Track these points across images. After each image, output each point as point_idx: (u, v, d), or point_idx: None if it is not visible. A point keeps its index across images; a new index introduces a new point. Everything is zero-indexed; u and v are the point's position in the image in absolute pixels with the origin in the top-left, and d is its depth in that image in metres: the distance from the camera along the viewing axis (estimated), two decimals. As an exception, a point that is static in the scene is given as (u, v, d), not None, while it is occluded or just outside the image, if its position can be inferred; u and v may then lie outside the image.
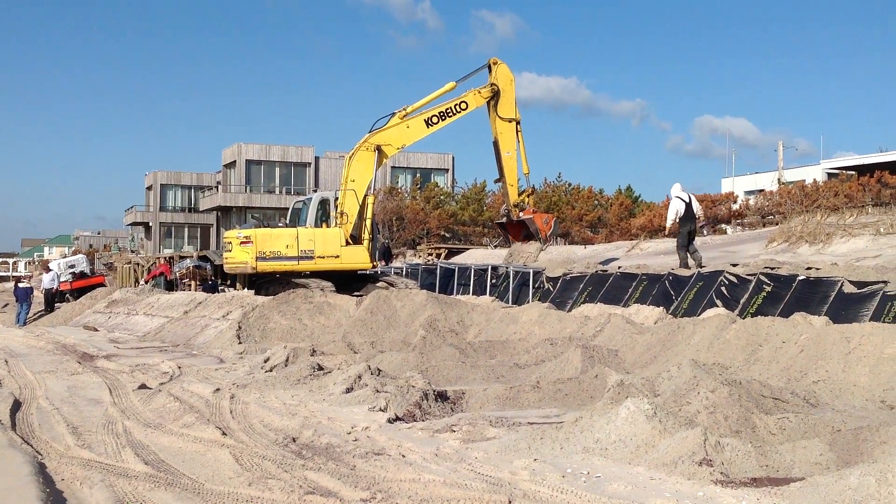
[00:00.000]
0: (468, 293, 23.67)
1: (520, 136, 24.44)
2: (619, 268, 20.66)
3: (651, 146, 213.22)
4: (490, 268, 24.33)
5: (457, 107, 23.43)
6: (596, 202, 53.12)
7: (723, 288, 16.25)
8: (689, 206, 18.99)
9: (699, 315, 14.96)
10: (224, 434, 8.60)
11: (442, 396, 10.06)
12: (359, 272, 23.46)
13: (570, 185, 55.22)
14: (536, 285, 21.85)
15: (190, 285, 34.65)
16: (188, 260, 37.25)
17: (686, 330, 12.38)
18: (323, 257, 22.88)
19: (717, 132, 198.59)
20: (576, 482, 6.42)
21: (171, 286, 35.67)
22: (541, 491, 6.24)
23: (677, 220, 19.05)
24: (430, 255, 38.35)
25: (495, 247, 39.17)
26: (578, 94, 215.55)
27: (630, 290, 18.36)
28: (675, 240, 19.80)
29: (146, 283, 39.56)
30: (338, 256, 22.76)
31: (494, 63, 24.25)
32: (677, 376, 9.29)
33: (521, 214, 24.81)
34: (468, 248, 40.49)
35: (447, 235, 46.24)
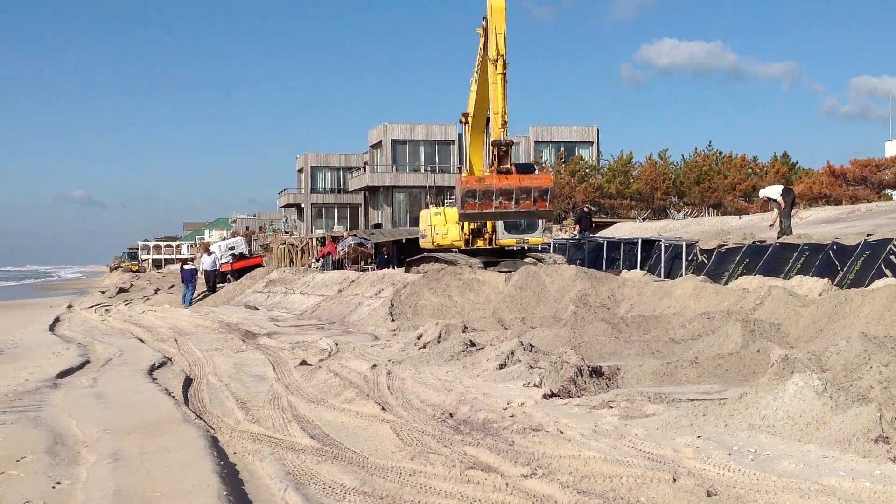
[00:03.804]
0: (617, 267, 23.31)
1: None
2: (778, 238, 19.86)
3: (804, 110, 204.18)
4: (640, 241, 23.86)
5: (477, 58, 20.66)
6: (750, 170, 51.19)
7: (892, 257, 15.37)
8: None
9: (867, 286, 14.21)
10: (384, 409, 8.78)
11: (596, 372, 9.94)
12: (506, 248, 23.49)
13: (720, 153, 53.41)
14: (690, 258, 21.29)
15: (358, 264, 35.60)
16: (350, 238, 38.30)
17: (854, 302, 11.77)
18: (424, 236, 24.66)
19: (876, 93, 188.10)
20: (743, 460, 6.21)
21: (337, 265, 36.78)
22: (706, 469, 6.07)
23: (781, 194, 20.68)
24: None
25: (643, 219, 38.42)
26: (723, 59, 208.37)
27: (791, 261, 17.63)
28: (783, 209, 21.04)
29: (317, 260, 40.96)
30: (425, 236, 24.44)
31: None
32: (846, 350, 8.85)
33: None
34: (616, 222, 39.86)
35: (594, 209, 45.65)
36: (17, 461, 7.16)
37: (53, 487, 6.39)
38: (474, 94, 21.17)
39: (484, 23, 19.64)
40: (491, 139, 19.24)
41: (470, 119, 21.94)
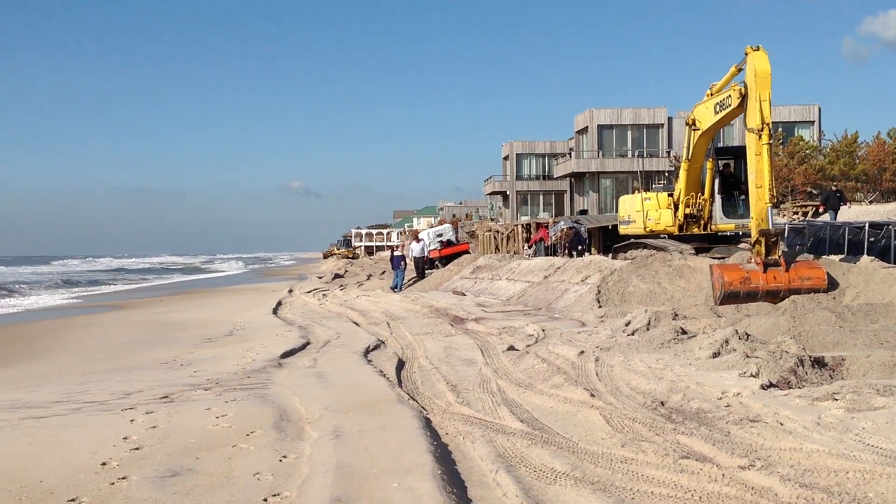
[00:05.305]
0: (842, 253, 21.98)
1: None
2: None
3: None
4: (867, 225, 22.36)
5: (725, 101, 18.96)
6: None
7: None
8: None
9: None
10: (592, 396, 8.72)
11: (819, 363, 9.43)
12: (719, 234, 22.70)
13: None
14: (923, 243, 19.72)
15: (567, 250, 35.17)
16: (562, 222, 38.10)
17: None
18: (626, 222, 24.35)
19: None
20: None
21: (550, 251, 36.64)
22: (945, 468, 5.63)
23: None
24: (796, 213, 36.11)
25: (870, 202, 35.96)
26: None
27: None
28: None
29: (529, 247, 41.16)
30: (628, 222, 24.22)
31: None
32: None
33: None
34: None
35: (814, 192, 43.24)
36: (248, 435, 7.65)
37: (280, 461, 6.78)
38: (709, 113, 19.92)
39: (742, 87, 17.73)
40: (757, 227, 16.96)
41: (699, 131, 20.78)
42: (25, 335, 22.06)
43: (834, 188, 29.39)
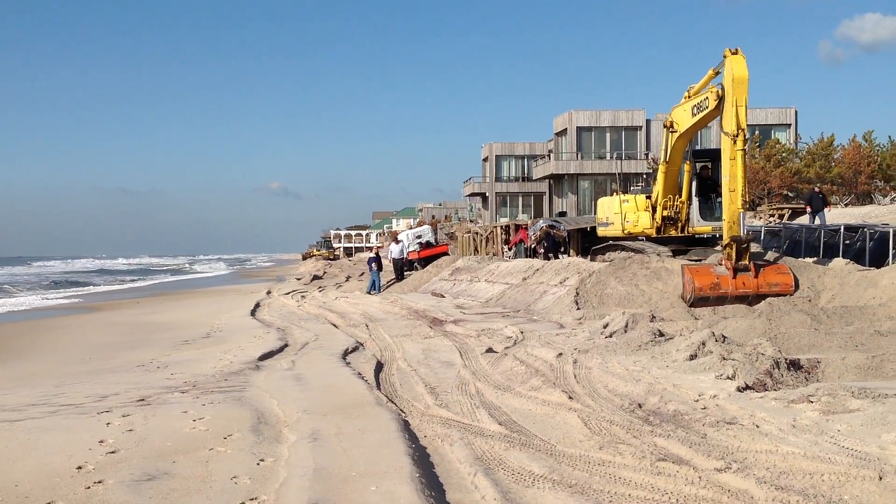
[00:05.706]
0: (817, 255, 22.17)
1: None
2: None
3: None
4: (842, 228, 22.58)
5: (702, 103, 18.90)
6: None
7: None
8: None
9: None
10: (570, 398, 8.75)
11: (794, 365, 9.52)
12: (696, 236, 22.81)
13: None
14: (897, 246, 19.92)
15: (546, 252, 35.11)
16: (541, 221, 38.10)
17: None
18: (604, 224, 24.29)
19: None
20: (960, 462, 5.77)
21: (529, 253, 36.68)
22: (917, 470, 5.69)
23: None
24: (773, 216, 36.40)
25: (846, 205, 36.26)
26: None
27: None
28: None
29: (509, 249, 41.20)
30: (606, 224, 24.10)
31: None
32: None
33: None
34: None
35: (790, 195, 43.59)
36: (225, 438, 7.61)
37: (257, 464, 6.76)
38: (687, 115, 19.82)
39: (719, 89, 17.71)
40: (729, 230, 17.11)
41: (677, 133, 20.83)
42: (3, 337, 21.87)
43: (816, 189, 29.51)
